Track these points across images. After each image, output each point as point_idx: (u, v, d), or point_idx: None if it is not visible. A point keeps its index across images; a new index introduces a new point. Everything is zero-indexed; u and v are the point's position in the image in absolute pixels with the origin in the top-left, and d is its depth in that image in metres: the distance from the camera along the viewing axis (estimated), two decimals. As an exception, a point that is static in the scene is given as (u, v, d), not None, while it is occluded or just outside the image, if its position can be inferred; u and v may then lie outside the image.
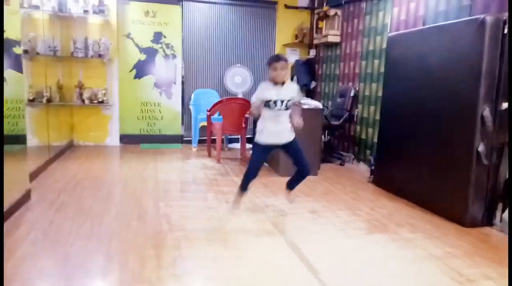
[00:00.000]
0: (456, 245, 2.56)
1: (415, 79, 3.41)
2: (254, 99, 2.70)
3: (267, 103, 2.64)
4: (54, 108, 5.25)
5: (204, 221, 2.82)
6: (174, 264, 2.13)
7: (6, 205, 2.62)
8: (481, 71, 2.74)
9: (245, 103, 4.69)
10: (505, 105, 2.79)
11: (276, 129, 2.70)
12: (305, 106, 4.14)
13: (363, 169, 4.64)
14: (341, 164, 4.95)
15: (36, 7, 4.83)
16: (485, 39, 2.70)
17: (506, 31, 2.69)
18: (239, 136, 5.22)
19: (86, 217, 2.78)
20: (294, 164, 2.84)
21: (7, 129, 4.60)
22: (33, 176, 3.66)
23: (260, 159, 2.85)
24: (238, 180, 3.97)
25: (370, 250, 2.44)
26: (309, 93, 6.23)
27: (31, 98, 4.99)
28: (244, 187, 2.84)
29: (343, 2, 5.14)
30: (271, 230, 2.70)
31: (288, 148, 2.80)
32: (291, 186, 2.97)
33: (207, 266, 2.13)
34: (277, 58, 2.64)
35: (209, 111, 4.86)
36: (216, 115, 5.00)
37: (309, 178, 4.00)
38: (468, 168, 2.86)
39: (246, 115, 4.85)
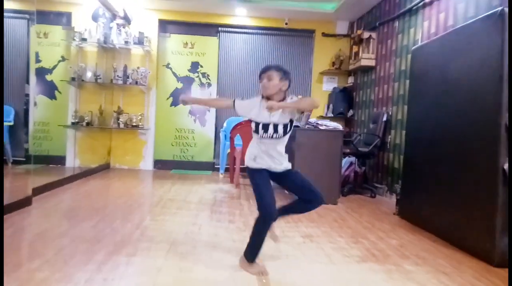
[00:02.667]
0: (468, 283, 2.01)
1: (435, 95, 2.98)
2: (237, 102, 2.06)
3: (254, 130, 2.01)
4: (94, 132, 5.60)
5: (178, 234, 2.62)
6: (114, 270, 1.95)
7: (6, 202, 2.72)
8: (502, 73, 2.28)
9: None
10: (537, 113, 2.26)
11: (272, 164, 2.02)
12: (322, 127, 3.86)
13: (394, 201, 4.09)
14: (371, 196, 4.43)
15: (84, 40, 5.33)
16: (505, 35, 2.26)
17: (531, 24, 2.24)
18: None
19: (68, 221, 2.75)
20: (300, 198, 2.09)
21: (33, 149, 5.00)
22: (50, 188, 3.82)
23: (266, 182, 1.99)
24: (246, 203, 3.78)
25: (346, 279, 2.01)
26: (347, 121, 5.87)
27: (75, 121, 5.40)
28: (252, 251, 2.01)
29: (377, 24, 4.87)
30: (242, 248, 2.40)
31: (287, 178, 2.08)
32: (283, 213, 2.20)
33: (141, 275, 1.91)
34: (265, 68, 2.00)
35: (230, 133, 4.77)
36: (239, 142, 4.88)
37: (326, 207, 3.67)
38: (494, 191, 2.32)
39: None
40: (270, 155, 1.99)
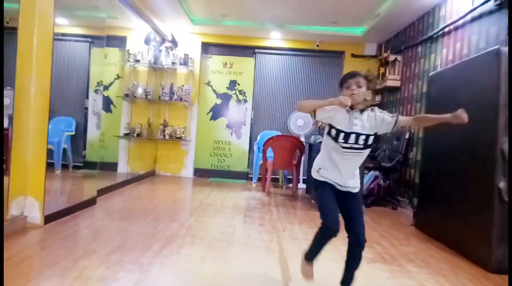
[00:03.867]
0: (461, 284, 2.37)
1: (447, 115, 3.32)
2: (321, 110, 1.88)
3: (335, 135, 1.87)
4: (143, 142, 6.28)
5: (217, 233, 3.12)
6: (168, 257, 2.47)
7: (74, 202, 3.36)
8: (498, 104, 2.63)
9: (295, 141, 4.97)
10: (530, 139, 2.59)
11: (340, 178, 1.93)
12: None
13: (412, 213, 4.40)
14: (393, 208, 4.76)
15: (137, 61, 6.06)
16: (501, 70, 2.62)
17: (524, 61, 2.58)
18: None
19: (127, 219, 3.35)
20: (345, 226, 1.97)
21: (90, 156, 5.71)
22: (109, 190, 4.48)
23: (331, 197, 1.92)
24: (275, 210, 4.24)
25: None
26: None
27: (126, 133, 6.11)
28: (310, 253, 2.07)
29: (403, 48, 5.23)
30: (273, 247, 2.86)
31: (347, 199, 1.96)
32: (349, 278, 2.04)
33: (189, 262, 2.43)
34: (352, 74, 1.88)
35: (263, 146, 5.27)
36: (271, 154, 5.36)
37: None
38: (491, 207, 2.65)
39: (299, 153, 5.11)
40: (338, 169, 1.90)
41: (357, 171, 1.97)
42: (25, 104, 2.91)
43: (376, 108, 1.93)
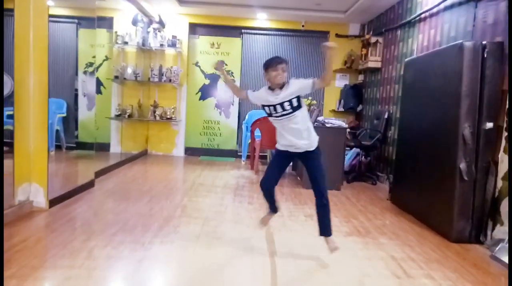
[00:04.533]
0: (424, 253, 2.73)
1: (419, 102, 3.62)
2: (250, 91, 2.55)
3: (268, 113, 2.41)
4: (134, 123, 6.46)
5: (209, 212, 3.43)
6: (167, 236, 2.77)
7: (75, 186, 3.61)
8: (460, 93, 2.91)
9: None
10: (489, 125, 2.90)
11: (289, 142, 2.38)
12: (329, 125, 4.54)
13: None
14: (372, 183, 5.12)
15: (126, 43, 6.14)
16: (464, 63, 2.88)
17: (486, 55, 2.84)
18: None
19: (126, 200, 3.62)
20: (311, 186, 2.43)
21: (82, 137, 5.89)
22: (105, 172, 4.72)
23: (275, 165, 2.53)
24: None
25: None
26: (357, 115, 6.49)
27: (117, 114, 6.27)
28: (269, 204, 2.66)
29: (383, 30, 5.43)
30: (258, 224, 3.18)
31: (307, 160, 2.42)
32: (324, 231, 2.47)
33: (186, 240, 2.73)
34: (274, 61, 2.33)
35: (251, 127, 5.52)
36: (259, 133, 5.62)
37: (329, 192, 4.37)
38: (453, 185, 2.99)
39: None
40: (284, 136, 2.38)
41: (307, 133, 2.38)
42: (25, 97, 3.09)
43: (291, 79, 2.37)
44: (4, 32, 2.94)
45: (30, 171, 3.15)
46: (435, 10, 4.06)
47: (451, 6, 3.73)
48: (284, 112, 2.34)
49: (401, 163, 4.02)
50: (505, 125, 2.82)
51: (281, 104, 2.32)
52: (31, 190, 3.15)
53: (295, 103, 2.32)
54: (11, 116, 3.29)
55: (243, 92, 2.66)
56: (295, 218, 3.40)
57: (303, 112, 2.37)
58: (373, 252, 2.70)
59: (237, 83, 6.74)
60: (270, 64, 2.34)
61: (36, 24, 3.08)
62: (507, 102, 2.78)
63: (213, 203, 3.75)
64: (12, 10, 3.04)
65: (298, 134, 2.37)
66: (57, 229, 2.76)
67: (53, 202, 3.27)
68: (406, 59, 4.04)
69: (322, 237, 2.51)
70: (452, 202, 3.00)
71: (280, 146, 2.49)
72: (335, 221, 3.37)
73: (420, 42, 4.35)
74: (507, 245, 2.62)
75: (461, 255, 2.73)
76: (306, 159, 2.43)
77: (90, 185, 4.02)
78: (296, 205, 3.82)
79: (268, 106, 2.39)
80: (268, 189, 2.55)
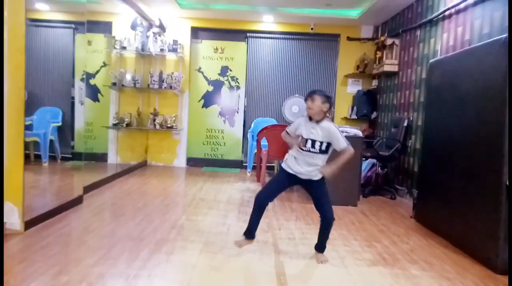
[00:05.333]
0: (466, 289, 2.26)
1: (448, 108, 3.16)
2: (288, 129, 2.61)
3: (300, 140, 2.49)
4: (133, 132, 6.07)
5: (209, 234, 2.98)
6: (157, 267, 2.32)
7: (59, 203, 3.19)
8: (505, 96, 2.45)
9: (290, 131, 4.79)
10: (540, 133, 2.43)
11: (299, 169, 2.47)
12: (343, 134, 4.09)
13: (412, 204, 4.29)
14: (391, 198, 4.64)
15: (124, 48, 5.78)
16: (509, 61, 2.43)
17: (536, 50, 2.39)
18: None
19: (115, 220, 3.19)
20: (315, 207, 2.55)
21: (79, 147, 5.51)
22: (98, 186, 4.30)
23: (279, 182, 2.60)
24: (270, 203, 4.09)
25: (353, 282, 2.29)
26: (370, 123, 6.04)
27: (115, 122, 5.89)
28: (249, 226, 2.65)
29: (400, 31, 5.00)
30: (267, 249, 2.72)
31: (312, 188, 2.53)
32: (319, 247, 2.61)
33: (179, 272, 2.28)
34: (310, 92, 2.43)
35: (257, 136, 5.09)
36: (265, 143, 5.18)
37: (345, 209, 3.94)
38: (498, 204, 2.52)
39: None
40: (298, 163, 2.46)
41: (317, 164, 2.43)
42: (-3, 104, 2.69)
43: (332, 124, 2.45)
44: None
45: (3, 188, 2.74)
46: (462, 5, 3.62)
47: (483, 0, 3.29)
48: (312, 150, 2.43)
49: (427, 176, 3.54)
50: (561, 133, 2.36)
51: (313, 141, 2.42)
52: (4, 209, 2.73)
53: (324, 147, 2.42)
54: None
55: (291, 138, 2.62)
56: (308, 241, 2.93)
57: (325, 157, 2.47)
58: (405, 288, 2.24)
59: (242, 90, 6.34)
60: (308, 95, 2.43)
61: (12, 23, 2.70)
62: None
63: (214, 222, 3.30)
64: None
65: (309, 167, 2.46)
66: (27, 258, 2.33)
67: (30, 223, 2.85)
68: (431, 61, 3.59)
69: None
70: (496, 224, 2.52)
71: (285, 166, 2.55)
72: (355, 245, 2.91)
73: (445, 42, 3.91)
74: None
75: (513, 292, 2.25)
76: (311, 187, 2.53)
77: (77, 201, 3.61)
78: (309, 225, 3.36)
79: (306, 140, 2.45)
80: (263, 205, 2.58)
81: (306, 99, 2.43)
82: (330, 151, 2.45)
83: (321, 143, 2.40)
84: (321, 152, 2.41)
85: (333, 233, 3.14)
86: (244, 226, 3.21)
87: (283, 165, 2.57)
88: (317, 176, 2.47)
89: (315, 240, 2.90)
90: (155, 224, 3.15)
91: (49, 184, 4.52)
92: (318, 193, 2.51)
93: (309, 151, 2.42)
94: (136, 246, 2.64)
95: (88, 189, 4.07)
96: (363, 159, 4.91)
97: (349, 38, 6.08)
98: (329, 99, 2.42)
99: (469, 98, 2.86)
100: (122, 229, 3.00)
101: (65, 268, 2.23)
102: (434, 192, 3.37)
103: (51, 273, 2.15)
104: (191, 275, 2.24)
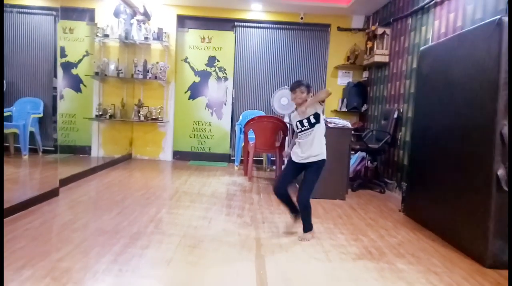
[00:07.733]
0: (455, 283, 2.14)
1: (439, 97, 3.04)
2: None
3: (295, 126, 2.75)
4: (116, 124, 5.88)
5: (189, 228, 2.83)
6: (129, 261, 2.18)
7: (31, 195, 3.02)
8: (498, 81, 2.34)
9: (277, 122, 4.65)
10: (534, 121, 2.32)
11: (302, 154, 2.69)
12: (331, 125, 3.96)
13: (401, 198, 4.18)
14: (381, 191, 4.53)
15: (107, 36, 5.57)
16: (502, 43, 2.31)
17: (530, 33, 2.27)
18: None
19: (90, 213, 3.03)
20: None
21: (60, 139, 5.33)
22: (76, 178, 4.13)
23: (287, 169, 2.82)
24: (257, 197, 3.97)
25: (337, 276, 2.17)
26: (361, 116, 5.93)
27: (98, 114, 5.69)
28: (289, 208, 2.86)
29: (391, 20, 4.88)
30: (248, 243, 2.59)
31: (307, 169, 2.72)
32: (303, 227, 2.78)
33: (152, 267, 2.14)
34: (296, 83, 2.72)
35: (244, 128, 4.94)
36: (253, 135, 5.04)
37: (333, 202, 3.83)
38: (488, 196, 2.41)
39: (282, 135, 4.81)
40: (300, 147, 2.70)
41: (316, 144, 2.65)
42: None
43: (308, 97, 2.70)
44: None
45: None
46: (454, -9, 3.50)
47: (476, -16, 3.17)
48: (303, 128, 2.67)
49: (417, 169, 3.43)
50: (555, 121, 2.25)
51: (301, 121, 2.67)
52: (-31, 201, 2.56)
53: (312, 120, 2.64)
54: None
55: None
56: (292, 235, 2.81)
57: (321, 127, 2.68)
58: (391, 283, 2.12)
59: (230, 81, 6.17)
60: (291, 88, 2.74)
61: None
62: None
63: (195, 216, 3.16)
64: None
65: (309, 147, 2.66)
66: (-11, 253, 2.17)
67: (-2, 216, 2.68)
68: (422, 48, 3.47)
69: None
70: (486, 217, 2.41)
71: (294, 156, 2.75)
72: (341, 239, 2.79)
73: (437, 29, 3.79)
74: None
75: (503, 286, 2.15)
76: (306, 169, 2.72)
77: (52, 194, 3.44)
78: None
79: (296, 124, 2.73)
80: (282, 193, 2.76)
81: (291, 92, 2.73)
82: (321, 119, 2.64)
83: (308, 118, 2.62)
84: (312, 124, 2.63)
85: (319, 227, 3.03)
86: (226, 219, 3.12)
87: (291, 155, 2.81)
88: (317, 155, 2.66)
89: (301, 232, 2.78)
90: (132, 218, 3.00)
91: (25, 177, 4.34)
92: (306, 176, 2.70)
93: (303, 131, 2.67)
94: (109, 239, 2.49)
95: (66, 181, 3.90)
96: (352, 152, 4.80)
97: (339, 29, 5.94)
98: (309, 88, 2.71)
99: (460, 86, 2.75)
100: (96, 222, 2.84)
101: (30, 262, 2.08)
102: (423, 185, 3.26)
103: (14, 267, 1.99)
104: (164, 270, 2.09)
